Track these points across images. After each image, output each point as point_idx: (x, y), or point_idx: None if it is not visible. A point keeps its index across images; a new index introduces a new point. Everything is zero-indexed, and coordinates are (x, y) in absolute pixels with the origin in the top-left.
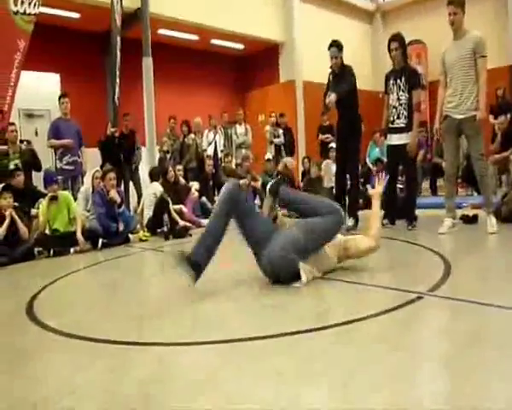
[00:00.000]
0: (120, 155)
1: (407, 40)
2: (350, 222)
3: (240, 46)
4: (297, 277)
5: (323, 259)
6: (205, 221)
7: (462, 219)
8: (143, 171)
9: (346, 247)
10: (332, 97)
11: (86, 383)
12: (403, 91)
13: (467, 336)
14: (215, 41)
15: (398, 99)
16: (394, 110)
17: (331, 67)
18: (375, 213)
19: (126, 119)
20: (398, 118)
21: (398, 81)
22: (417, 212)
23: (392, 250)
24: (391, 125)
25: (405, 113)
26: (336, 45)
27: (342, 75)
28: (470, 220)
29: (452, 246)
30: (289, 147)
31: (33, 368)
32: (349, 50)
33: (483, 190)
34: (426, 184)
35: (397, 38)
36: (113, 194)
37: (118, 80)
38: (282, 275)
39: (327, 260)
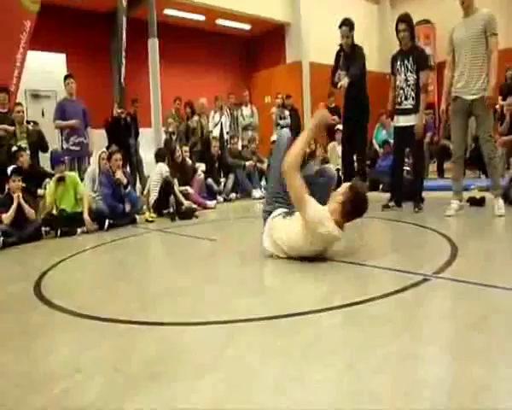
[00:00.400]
0: (129, 137)
1: (415, 20)
2: None
3: (246, 26)
4: None
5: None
6: (211, 203)
7: (469, 201)
8: (147, 152)
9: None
10: (345, 82)
11: (93, 361)
12: (410, 72)
13: (473, 318)
14: (221, 21)
15: (406, 80)
16: (402, 91)
17: (341, 45)
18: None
19: (136, 105)
20: (406, 99)
21: (406, 62)
22: (424, 194)
23: (399, 232)
24: (398, 107)
25: (413, 94)
26: (347, 24)
27: (353, 55)
28: (477, 203)
29: (459, 228)
30: (296, 129)
31: (41, 346)
32: (356, 30)
33: (491, 173)
34: (433, 167)
35: (405, 18)
36: (120, 175)
37: (124, 61)
38: None
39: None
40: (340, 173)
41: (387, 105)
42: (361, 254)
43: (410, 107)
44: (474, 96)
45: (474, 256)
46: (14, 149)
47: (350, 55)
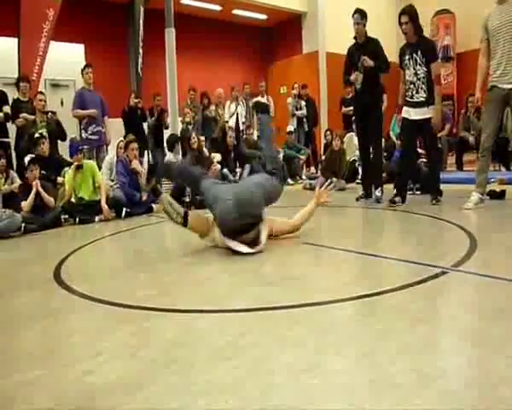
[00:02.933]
0: (142, 125)
1: (435, 10)
2: (378, 193)
3: (263, 17)
4: None
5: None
6: None
7: (489, 194)
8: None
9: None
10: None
11: (112, 345)
12: (420, 65)
13: (492, 311)
14: (238, 11)
15: (416, 74)
16: (412, 85)
17: (355, 38)
18: (308, 210)
19: (158, 99)
20: (417, 93)
21: (415, 55)
22: (442, 187)
23: (416, 224)
24: (409, 100)
25: (424, 87)
26: (359, 12)
27: (367, 47)
28: (498, 196)
29: (478, 221)
30: (312, 119)
31: (61, 329)
32: (374, 21)
33: None
34: (451, 159)
35: (406, 10)
36: (136, 164)
37: (141, 51)
38: None
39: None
40: (357, 165)
41: (398, 99)
42: (378, 245)
43: (423, 100)
44: None
45: (493, 250)
46: (37, 135)
47: (364, 47)
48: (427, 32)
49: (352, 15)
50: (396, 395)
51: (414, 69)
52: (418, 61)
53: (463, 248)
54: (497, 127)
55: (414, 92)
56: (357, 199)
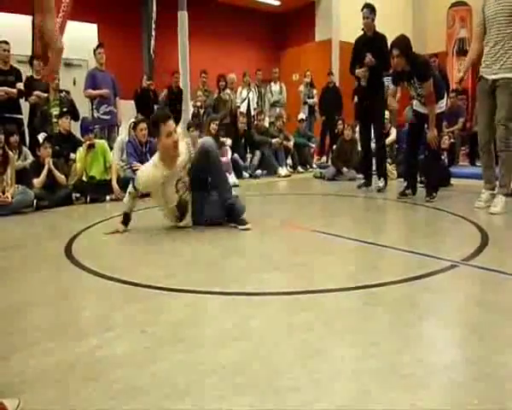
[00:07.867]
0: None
1: (451, 1)
2: (380, 183)
3: (276, 2)
4: None
5: None
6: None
7: None
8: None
9: None
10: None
11: (122, 321)
12: (421, 88)
13: (502, 307)
14: None
15: (418, 95)
16: (417, 101)
17: (363, 29)
18: None
19: (176, 76)
20: (424, 104)
21: (412, 81)
22: (455, 181)
23: (427, 218)
24: (419, 105)
25: None
26: (368, 6)
27: (373, 43)
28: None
29: (490, 217)
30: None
31: (72, 304)
32: (390, 10)
33: (499, 165)
34: (463, 154)
35: (397, 44)
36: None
37: (153, 33)
38: None
39: None
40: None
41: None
42: (389, 237)
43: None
44: (496, 76)
45: (505, 246)
46: (55, 112)
47: (371, 42)
48: (443, 24)
49: (362, 9)
50: (402, 385)
51: (415, 91)
52: (417, 84)
53: (474, 243)
54: (489, 121)
55: (420, 103)
56: (359, 187)
